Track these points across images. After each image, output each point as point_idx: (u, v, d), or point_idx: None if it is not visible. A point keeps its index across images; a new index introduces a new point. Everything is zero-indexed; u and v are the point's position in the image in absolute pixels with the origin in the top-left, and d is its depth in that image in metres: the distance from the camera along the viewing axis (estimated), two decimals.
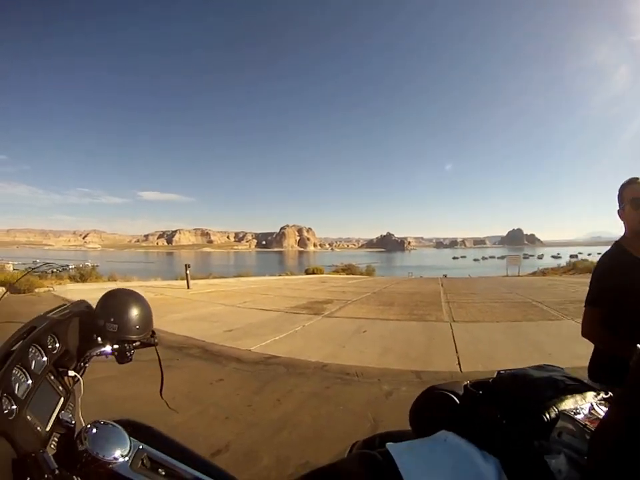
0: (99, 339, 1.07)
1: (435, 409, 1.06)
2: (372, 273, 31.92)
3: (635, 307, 1.39)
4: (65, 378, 0.99)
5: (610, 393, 0.89)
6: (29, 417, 0.74)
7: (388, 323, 7.16)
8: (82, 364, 1.06)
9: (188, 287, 13.78)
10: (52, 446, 0.79)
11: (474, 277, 26.78)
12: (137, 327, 1.11)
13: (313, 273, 28.53)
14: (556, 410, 0.82)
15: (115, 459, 0.75)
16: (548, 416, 0.81)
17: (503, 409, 0.89)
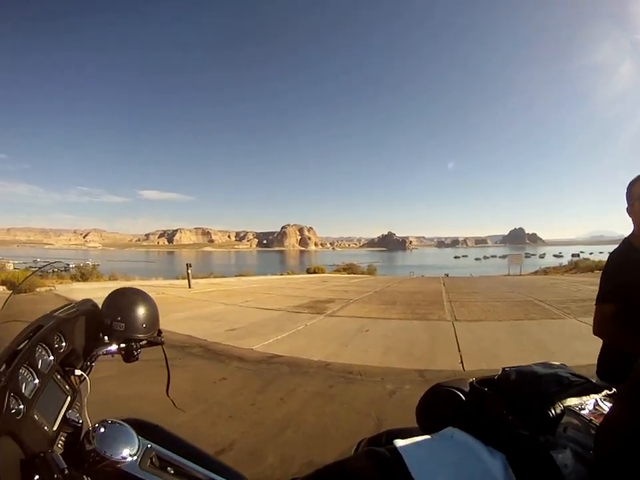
0: (106, 337, 1.07)
1: (441, 406, 1.08)
2: (373, 272, 31.96)
3: None
4: (72, 377, 0.98)
5: (614, 389, 0.89)
6: (36, 417, 0.73)
7: (390, 322, 7.16)
8: (88, 363, 1.05)
9: (189, 286, 13.80)
10: (59, 445, 0.78)
11: (475, 276, 26.76)
12: (144, 325, 1.11)
13: (315, 273, 28.56)
14: (561, 406, 0.84)
15: (124, 458, 0.74)
16: (553, 411, 0.83)
17: (508, 405, 0.90)
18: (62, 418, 0.83)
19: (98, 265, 23.21)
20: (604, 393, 0.88)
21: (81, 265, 22.10)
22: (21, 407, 0.69)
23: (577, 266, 25.11)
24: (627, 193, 1.54)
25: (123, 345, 1.09)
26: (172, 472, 0.83)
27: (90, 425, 0.81)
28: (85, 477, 0.71)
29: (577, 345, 4.96)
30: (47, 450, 0.68)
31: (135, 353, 1.11)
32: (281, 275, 26.42)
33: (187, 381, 3.90)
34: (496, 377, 1.02)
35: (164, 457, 0.84)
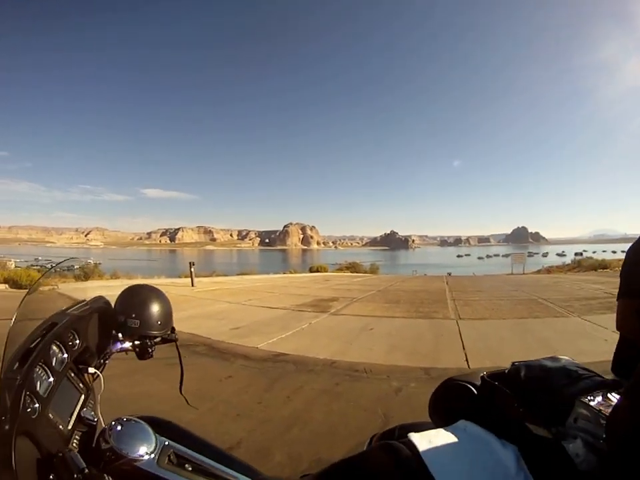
0: (120, 334, 1.06)
1: (454, 400, 1.10)
2: (376, 271, 31.93)
3: None
4: (85, 375, 0.97)
5: (622, 383, 0.90)
6: (51, 415, 0.72)
7: (394, 320, 7.14)
8: (102, 360, 1.05)
9: (192, 285, 13.80)
10: (74, 444, 0.77)
11: (479, 275, 26.70)
12: (159, 322, 1.11)
13: (317, 271, 28.57)
14: (570, 397, 0.84)
15: (141, 455, 0.73)
16: (563, 403, 0.84)
17: (519, 398, 0.92)
18: (76, 416, 0.82)
19: (100, 263, 23.26)
20: (612, 385, 0.89)
21: (83, 263, 22.17)
22: (37, 405, 0.68)
23: (580, 265, 25.03)
24: None
25: (137, 342, 1.08)
26: (190, 469, 0.81)
27: (104, 423, 0.80)
28: (105, 475, 0.69)
29: (580, 343, 4.95)
30: (64, 449, 0.67)
31: (150, 350, 1.10)
32: (284, 273, 26.45)
33: (193, 379, 3.88)
34: (506, 371, 1.04)
35: (181, 454, 0.83)
